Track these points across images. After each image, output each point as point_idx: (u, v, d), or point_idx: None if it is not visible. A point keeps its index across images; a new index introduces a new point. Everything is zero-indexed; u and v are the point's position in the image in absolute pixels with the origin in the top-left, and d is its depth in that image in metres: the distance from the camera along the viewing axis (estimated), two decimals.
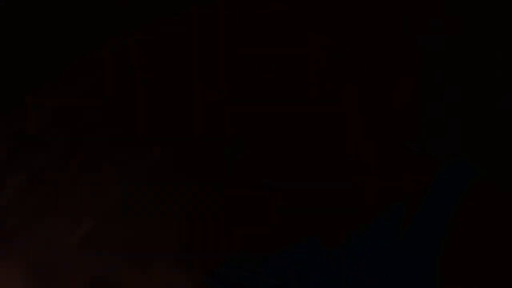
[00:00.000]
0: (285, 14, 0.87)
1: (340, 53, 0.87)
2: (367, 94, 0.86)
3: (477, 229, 0.83)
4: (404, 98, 0.86)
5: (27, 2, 0.87)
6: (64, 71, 0.88)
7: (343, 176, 0.84)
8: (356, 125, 0.85)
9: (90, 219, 0.80)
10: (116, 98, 0.86)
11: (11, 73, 0.86)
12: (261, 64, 0.87)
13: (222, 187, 0.84)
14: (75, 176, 0.82)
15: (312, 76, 0.86)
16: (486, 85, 0.86)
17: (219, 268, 0.78)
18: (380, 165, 0.84)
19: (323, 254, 0.82)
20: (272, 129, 0.85)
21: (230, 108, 0.86)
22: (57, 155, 0.81)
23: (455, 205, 0.84)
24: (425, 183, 0.84)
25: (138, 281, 0.76)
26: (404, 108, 0.85)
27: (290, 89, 0.86)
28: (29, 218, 0.80)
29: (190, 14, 0.88)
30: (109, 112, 0.86)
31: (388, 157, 0.84)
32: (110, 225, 0.80)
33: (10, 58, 0.84)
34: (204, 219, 0.82)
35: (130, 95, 0.87)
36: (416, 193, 0.84)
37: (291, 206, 0.84)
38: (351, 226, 0.83)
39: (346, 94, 0.86)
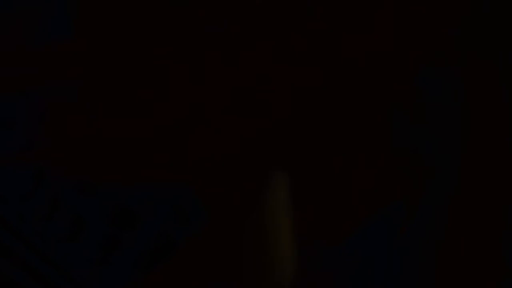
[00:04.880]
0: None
1: (338, 54, 0.87)
2: (367, 94, 0.86)
3: (477, 229, 0.83)
4: (402, 99, 0.86)
5: None
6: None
7: (343, 176, 0.84)
8: (356, 126, 0.85)
9: None
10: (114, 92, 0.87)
11: None
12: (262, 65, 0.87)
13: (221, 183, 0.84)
14: None
15: (310, 76, 0.87)
16: (486, 85, 0.86)
17: None
18: (379, 166, 0.84)
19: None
20: (272, 129, 0.86)
21: (230, 107, 0.86)
22: None
23: (453, 205, 0.84)
24: (423, 183, 0.84)
25: None
26: (403, 108, 0.86)
27: (290, 90, 0.86)
28: None
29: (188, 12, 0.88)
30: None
31: (387, 158, 0.85)
32: None
33: None
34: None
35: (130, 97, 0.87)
36: (415, 193, 0.84)
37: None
38: (351, 226, 0.83)
39: (346, 93, 0.86)
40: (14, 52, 0.87)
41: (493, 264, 0.82)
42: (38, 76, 0.86)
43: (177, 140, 0.85)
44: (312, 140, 0.85)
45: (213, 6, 0.87)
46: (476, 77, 0.86)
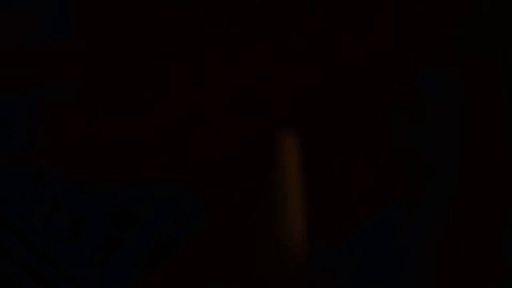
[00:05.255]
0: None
1: (338, 54, 0.87)
2: (367, 94, 0.86)
3: (477, 229, 0.83)
4: (402, 99, 0.86)
5: None
6: None
7: (343, 176, 0.84)
8: (356, 126, 0.85)
9: None
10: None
11: None
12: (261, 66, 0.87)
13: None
14: None
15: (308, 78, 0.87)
16: (486, 85, 0.86)
17: None
18: (379, 165, 0.84)
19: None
20: (272, 129, 0.86)
21: (230, 107, 0.86)
22: None
23: (453, 205, 0.84)
24: (423, 183, 0.84)
25: None
26: (403, 108, 0.86)
27: (290, 90, 0.86)
28: None
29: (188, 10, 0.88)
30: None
31: (387, 158, 0.84)
32: None
33: None
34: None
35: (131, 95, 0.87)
36: (415, 193, 0.84)
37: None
38: (351, 226, 0.83)
39: (346, 93, 0.86)
40: (14, 52, 0.87)
41: (493, 264, 0.82)
42: (38, 76, 0.86)
43: (177, 140, 0.85)
44: (312, 140, 0.85)
45: (213, 6, 0.87)
46: (476, 77, 0.86)
